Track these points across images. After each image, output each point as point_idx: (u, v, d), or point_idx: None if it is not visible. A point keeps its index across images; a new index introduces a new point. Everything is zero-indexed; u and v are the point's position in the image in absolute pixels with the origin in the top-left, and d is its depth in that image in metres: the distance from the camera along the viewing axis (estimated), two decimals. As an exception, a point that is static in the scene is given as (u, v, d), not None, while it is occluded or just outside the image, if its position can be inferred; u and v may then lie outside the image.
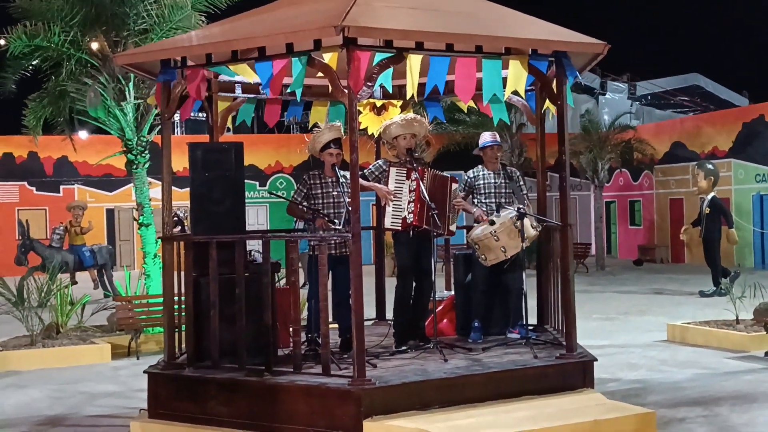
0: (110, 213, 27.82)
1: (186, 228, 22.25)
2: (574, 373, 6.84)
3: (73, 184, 27.65)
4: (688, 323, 11.77)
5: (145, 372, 7.09)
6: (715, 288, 16.41)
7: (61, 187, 27.55)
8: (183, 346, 7.26)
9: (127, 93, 12.29)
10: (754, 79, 49.90)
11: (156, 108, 11.52)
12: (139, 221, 12.72)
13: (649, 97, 39.20)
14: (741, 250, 22.11)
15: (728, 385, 8.62)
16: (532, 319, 8.46)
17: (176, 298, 7.13)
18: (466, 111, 9.49)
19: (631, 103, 37.22)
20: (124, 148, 12.65)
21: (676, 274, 22.27)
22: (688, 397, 8.13)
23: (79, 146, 20.80)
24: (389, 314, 9.52)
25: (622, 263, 26.77)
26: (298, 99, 7.72)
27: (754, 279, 15.18)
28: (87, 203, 21.56)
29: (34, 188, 27.45)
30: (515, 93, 7.70)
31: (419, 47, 6.44)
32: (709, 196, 16.98)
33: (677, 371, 9.43)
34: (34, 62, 12.43)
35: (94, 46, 12.13)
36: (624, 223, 29.46)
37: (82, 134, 24.70)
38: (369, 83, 6.20)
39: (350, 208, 6.81)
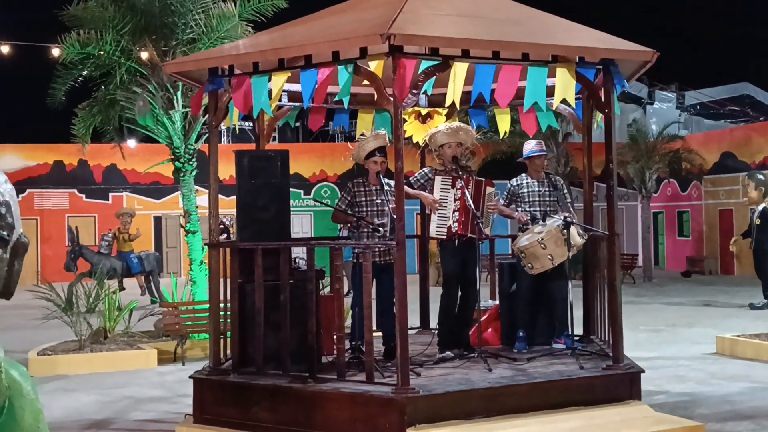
0: (158, 220, 28.14)
1: (231, 236, 22.45)
2: (621, 385, 6.75)
3: (122, 192, 28.04)
4: (738, 336, 11.55)
5: (190, 377, 7.15)
6: (765, 300, 16.09)
7: (110, 194, 27.94)
8: (228, 352, 7.31)
9: (175, 102, 12.44)
10: (805, 89, 48.91)
11: (203, 117, 11.65)
12: (186, 228, 12.84)
13: (698, 107, 38.63)
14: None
15: (780, 399, 8.45)
16: (578, 330, 8.37)
17: (222, 305, 7.18)
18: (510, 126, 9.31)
19: (679, 113, 36.70)
20: (172, 156, 12.80)
21: (726, 286, 21.90)
22: (737, 411, 7.97)
23: (128, 154, 21.04)
24: (433, 323, 9.50)
25: (669, 275, 26.40)
26: (346, 107, 7.73)
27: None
28: (135, 210, 21.83)
29: (83, 196, 27.89)
30: (564, 102, 7.68)
31: (465, 55, 6.42)
32: (760, 207, 16.66)
33: (727, 384, 9.26)
34: (84, 72, 12.63)
35: (144, 55, 12.30)
36: (672, 234, 29.05)
37: (131, 142, 25.04)
38: (414, 91, 6.20)
39: (395, 216, 6.82)
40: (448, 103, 7.25)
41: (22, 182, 27.16)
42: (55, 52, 12.83)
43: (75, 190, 27.87)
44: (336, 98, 6.54)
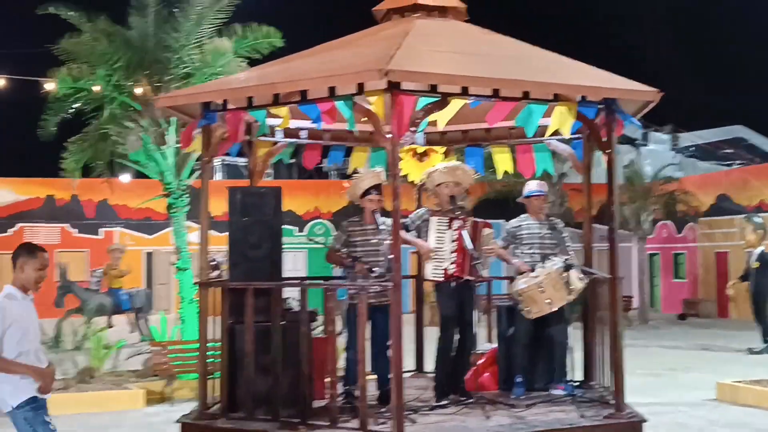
0: (149, 256, 27.88)
1: (223, 273, 22.20)
2: (624, 434, 6.52)
3: (114, 227, 27.80)
4: (739, 382, 11.32)
5: (177, 422, 6.89)
6: (764, 345, 15.87)
7: (102, 229, 27.70)
8: (217, 394, 7.07)
9: (167, 137, 12.29)
10: (799, 132, 49.06)
11: (193, 152, 11.49)
12: (176, 266, 12.62)
13: (692, 149, 38.68)
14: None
15: (783, 448, 8.22)
16: (577, 374, 8.15)
17: (212, 344, 6.95)
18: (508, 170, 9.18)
19: (673, 155, 36.73)
20: (164, 192, 12.62)
21: (722, 329, 21.68)
22: (740, 461, 7.75)
23: (120, 189, 20.95)
24: (428, 365, 9.26)
25: (665, 317, 26.16)
26: (355, 133, 7.53)
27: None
28: (126, 246, 21.59)
29: (75, 230, 27.63)
30: (557, 134, 7.57)
31: (465, 92, 6.27)
32: (758, 250, 16.50)
33: (728, 433, 9.05)
34: (76, 105, 12.50)
35: (139, 91, 12.17)
36: (667, 276, 28.86)
37: (124, 178, 24.88)
38: (412, 128, 6.03)
39: (390, 257, 6.62)
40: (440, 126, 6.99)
41: (13, 216, 26.93)
42: (49, 86, 12.68)
43: (67, 225, 27.61)
44: (348, 128, 6.34)
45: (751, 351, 15.98)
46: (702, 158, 37.95)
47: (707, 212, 26.65)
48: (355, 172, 7.95)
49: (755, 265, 16.33)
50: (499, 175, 9.16)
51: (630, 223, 24.43)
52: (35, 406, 5.46)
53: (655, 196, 24.30)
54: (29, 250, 5.60)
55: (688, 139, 38.52)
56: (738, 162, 36.47)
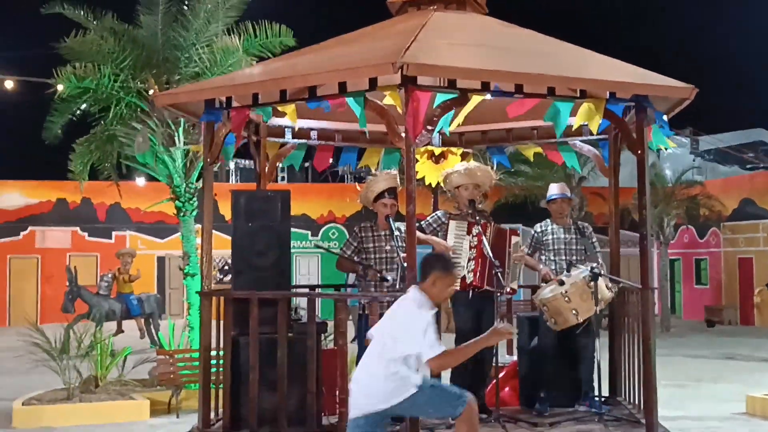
0: (161, 260, 27.57)
1: (235, 277, 21.83)
2: (656, 457, 6.05)
3: (125, 231, 27.51)
4: (770, 395, 10.81)
5: (176, 440, 6.47)
6: (792, 354, 15.38)
7: (113, 233, 27.42)
8: (221, 410, 6.65)
9: (176, 138, 11.91)
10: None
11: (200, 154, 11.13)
12: (185, 271, 12.23)
13: (712, 152, 38.12)
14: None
15: (822, 469, 7.72)
16: (603, 390, 7.68)
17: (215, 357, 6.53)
18: (531, 160, 8.85)
19: (693, 158, 36.16)
20: (172, 195, 12.25)
21: (747, 337, 21.13)
22: (778, 482, 7.27)
23: (132, 193, 20.59)
24: (443, 379, 8.80)
25: (687, 324, 25.60)
26: (367, 133, 7.11)
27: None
28: (136, 251, 21.27)
29: (86, 234, 27.36)
30: (579, 134, 7.26)
31: (485, 88, 5.81)
32: (786, 256, 15.99)
33: (763, 451, 8.55)
34: (82, 106, 12.14)
35: (150, 91, 11.80)
36: (689, 282, 28.27)
37: (140, 181, 24.58)
38: (429, 127, 5.58)
39: (405, 264, 6.18)
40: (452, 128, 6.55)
41: (23, 220, 26.69)
42: (58, 87, 12.32)
43: (77, 229, 27.33)
44: (359, 126, 5.88)
45: (778, 360, 15.50)
46: (722, 162, 37.39)
47: (730, 217, 26.06)
48: (364, 169, 7.51)
49: (783, 271, 15.82)
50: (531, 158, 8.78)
51: (652, 227, 23.92)
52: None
53: (677, 201, 23.75)
54: (445, 265, 5.12)
55: (708, 142, 37.95)
56: (760, 166, 35.87)
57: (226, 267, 21.39)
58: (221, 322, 6.55)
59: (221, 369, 6.53)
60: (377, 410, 4.90)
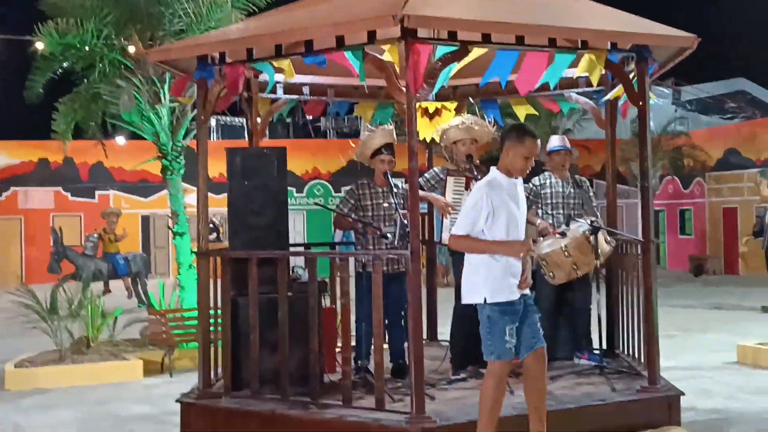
0: (145, 220, 27.38)
1: (221, 236, 21.73)
2: (659, 409, 6.07)
3: (109, 190, 27.26)
4: (761, 344, 10.88)
5: (177, 401, 6.42)
6: (778, 303, 15.51)
7: (97, 193, 27.17)
8: (219, 370, 6.60)
9: (162, 96, 11.71)
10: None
11: (193, 110, 10.95)
12: (174, 230, 12.11)
13: (694, 103, 38.08)
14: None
15: (818, 417, 7.78)
16: (601, 343, 7.70)
17: (213, 319, 6.46)
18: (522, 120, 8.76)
19: (675, 109, 36.11)
20: (159, 154, 12.08)
21: (732, 286, 21.29)
22: (775, 431, 7.31)
23: (115, 151, 20.40)
24: (441, 333, 8.80)
25: (672, 274, 25.77)
26: (365, 87, 7.01)
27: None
28: (122, 210, 21.10)
29: (69, 194, 27.09)
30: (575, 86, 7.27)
31: (486, 40, 5.69)
32: (773, 206, 16.06)
33: (757, 400, 8.59)
34: (65, 64, 11.89)
35: (132, 49, 11.56)
36: (674, 233, 28.41)
37: (120, 140, 24.29)
38: (430, 80, 5.47)
39: (405, 222, 6.11)
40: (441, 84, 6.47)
41: (5, 180, 26.38)
42: (36, 44, 12.04)
43: (60, 189, 27.05)
44: (360, 80, 5.76)
45: (765, 309, 15.60)
46: (704, 112, 37.38)
47: (715, 167, 26.12)
48: (353, 130, 7.40)
49: (769, 220, 15.88)
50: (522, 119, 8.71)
51: (636, 179, 23.93)
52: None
53: (662, 152, 23.75)
54: (518, 134, 5.25)
55: (690, 92, 37.90)
56: (741, 116, 35.90)
57: (211, 225, 21.23)
58: (217, 282, 6.47)
59: (219, 329, 6.46)
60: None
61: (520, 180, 5.37)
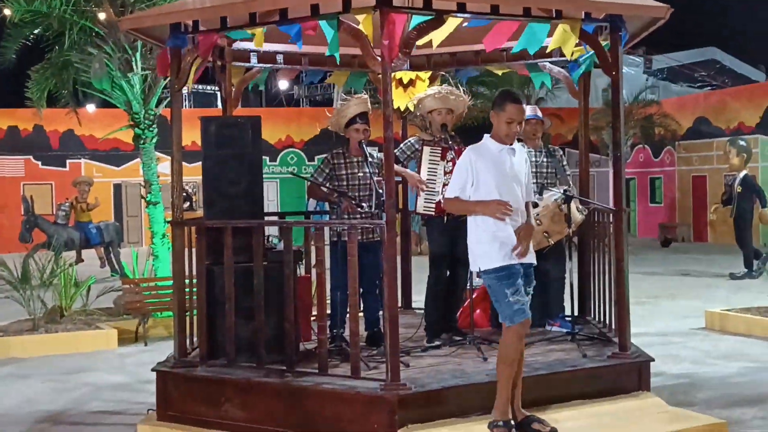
0: (118, 188, 27.19)
1: (195, 204, 21.65)
2: (630, 375, 6.18)
3: (80, 159, 27.01)
4: (728, 310, 11.09)
5: (153, 370, 6.44)
6: (746, 270, 15.72)
7: (68, 161, 26.91)
8: (195, 339, 6.63)
9: (134, 64, 11.60)
10: (771, 54, 48.70)
11: (164, 79, 10.87)
12: (147, 199, 12.07)
13: (665, 72, 38.24)
14: (766, 229, 21.31)
15: (783, 381, 7.97)
16: (573, 310, 7.80)
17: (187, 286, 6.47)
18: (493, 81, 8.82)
19: (647, 78, 36.26)
20: (131, 122, 11.99)
21: (701, 254, 21.58)
22: (741, 395, 7.47)
23: (86, 120, 20.24)
24: (416, 302, 8.88)
25: (642, 242, 26.05)
26: (338, 61, 7.01)
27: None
28: (93, 179, 20.94)
29: (39, 162, 26.81)
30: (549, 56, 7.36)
31: (461, 9, 5.70)
32: (741, 174, 16.23)
33: (724, 364, 8.78)
34: (35, 30, 11.73)
35: (102, 16, 11.42)
36: (644, 201, 28.68)
37: (90, 108, 24.03)
38: (405, 49, 5.48)
39: (380, 191, 6.14)
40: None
41: (-25, 149, 26.09)
42: (7, 12, 11.87)
43: (31, 157, 26.76)
44: (327, 53, 5.76)
45: (732, 276, 15.84)
46: (675, 81, 37.58)
47: (685, 136, 26.33)
48: (326, 98, 7.41)
49: (738, 189, 16.05)
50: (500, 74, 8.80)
51: (607, 147, 24.08)
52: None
53: (633, 121, 23.88)
54: (500, 100, 5.43)
55: (661, 61, 38.06)
56: (712, 84, 36.15)
57: (185, 194, 21.22)
58: (193, 251, 6.48)
59: (194, 298, 6.48)
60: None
61: (518, 146, 5.49)
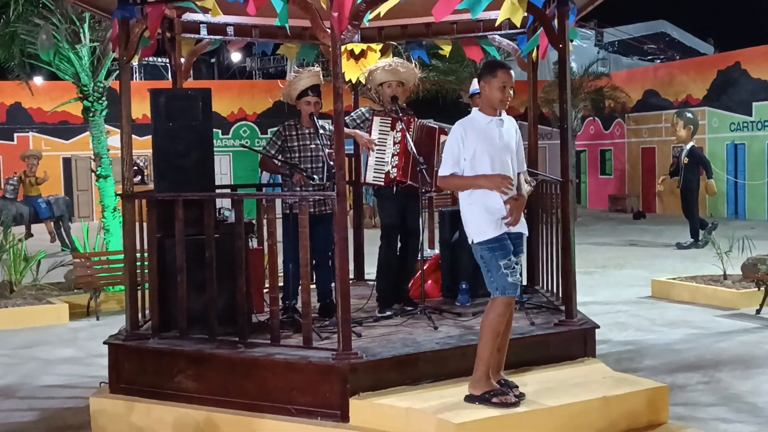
0: (67, 162, 26.77)
1: (146, 178, 21.47)
2: (576, 342, 6.33)
3: (28, 132, 26.51)
4: (674, 279, 11.37)
5: (105, 343, 6.45)
6: (692, 240, 16.08)
7: (15, 134, 26.39)
8: (147, 312, 6.63)
9: (81, 35, 11.44)
10: (719, 27, 49.42)
11: (112, 51, 10.74)
12: (97, 173, 11.96)
13: (616, 45, 38.57)
14: (713, 199, 21.78)
15: (724, 347, 8.22)
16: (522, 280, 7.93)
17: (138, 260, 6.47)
18: (446, 56, 8.88)
19: (597, 50, 36.53)
20: (80, 95, 11.84)
21: (649, 224, 21.97)
22: (684, 360, 7.71)
23: (35, 92, 19.88)
24: (368, 273, 8.96)
25: (592, 213, 26.43)
26: (288, 33, 7.00)
27: (728, 229, 14.93)
28: (42, 152, 20.62)
29: (-15, 136, 26.32)
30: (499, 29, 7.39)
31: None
32: (688, 146, 16.53)
33: (668, 331, 9.03)
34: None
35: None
36: (594, 173, 29.05)
37: (38, 80, 23.57)
38: (355, 22, 5.50)
39: (331, 162, 6.18)
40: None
41: None
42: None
43: (-24, 131, 26.25)
44: (276, 23, 5.74)
45: (679, 246, 16.17)
46: (626, 54, 37.92)
47: (635, 108, 26.67)
48: (278, 70, 7.41)
49: (685, 160, 16.36)
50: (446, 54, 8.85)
51: (559, 120, 24.29)
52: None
53: (584, 93, 24.11)
54: (489, 68, 5.38)
55: (612, 34, 38.36)
56: (661, 57, 36.56)
57: (135, 168, 21.00)
58: (144, 225, 6.47)
59: (146, 271, 6.49)
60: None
61: (508, 118, 5.49)
